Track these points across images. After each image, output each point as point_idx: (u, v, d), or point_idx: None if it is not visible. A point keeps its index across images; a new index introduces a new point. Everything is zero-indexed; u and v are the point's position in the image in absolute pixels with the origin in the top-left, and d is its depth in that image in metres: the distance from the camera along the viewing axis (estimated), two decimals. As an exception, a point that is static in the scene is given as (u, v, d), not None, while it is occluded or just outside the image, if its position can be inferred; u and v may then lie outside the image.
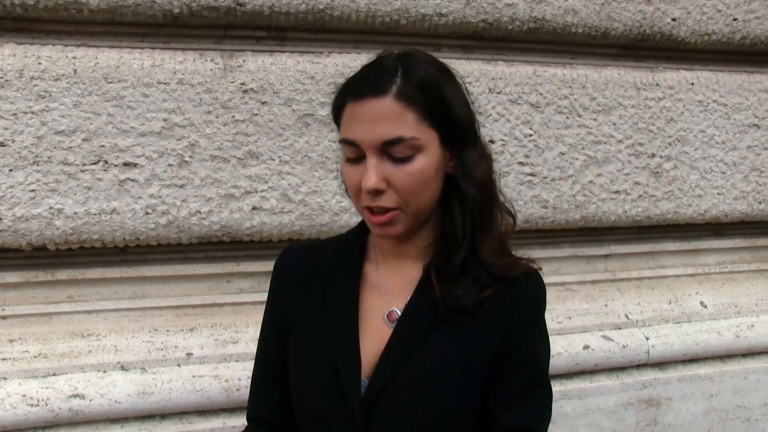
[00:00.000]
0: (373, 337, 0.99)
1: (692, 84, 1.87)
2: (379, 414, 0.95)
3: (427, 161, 0.92)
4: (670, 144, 1.86)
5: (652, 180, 1.85)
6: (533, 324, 1.02)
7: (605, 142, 1.79)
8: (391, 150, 0.90)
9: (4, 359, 1.41)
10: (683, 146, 1.87)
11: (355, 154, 0.93)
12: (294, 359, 1.05)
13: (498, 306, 0.97)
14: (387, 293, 1.02)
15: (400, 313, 0.99)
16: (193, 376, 1.48)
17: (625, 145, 1.81)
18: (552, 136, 1.73)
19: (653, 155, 1.84)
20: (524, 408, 0.97)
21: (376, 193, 0.91)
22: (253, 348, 1.53)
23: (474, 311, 0.95)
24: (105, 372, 1.46)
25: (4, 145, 1.38)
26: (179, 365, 1.50)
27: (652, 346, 1.81)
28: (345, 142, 0.93)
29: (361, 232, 1.09)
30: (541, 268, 1.04)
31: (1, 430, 1.37)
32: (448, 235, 0.98)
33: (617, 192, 1.82)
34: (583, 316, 1.81)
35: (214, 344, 1.53)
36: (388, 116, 0.89)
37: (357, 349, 0.98)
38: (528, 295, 1.01)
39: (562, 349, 1.70)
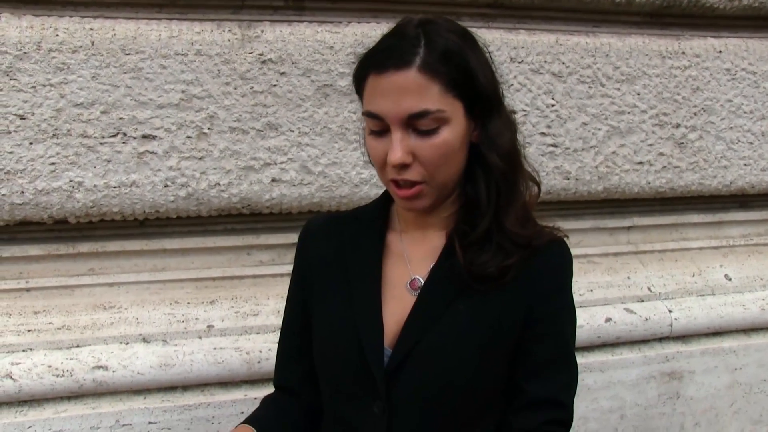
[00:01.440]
0: (396, 305, 0.98)
1: (720, 52, 1.82)
2: (402, 383, 0.94)
3: (453, 133, 0.91)
4: (695, 114, 1.81)
5: (676, 151, 1.81)
6: (559, 293, 1.01)
7: (629, 112, 1.75)
8: (417, 123, 0.89)
9: (29, 330, 1.43)
10: (709, 116, 1.83)
11: (379, 126, 0.91)
12: (317, 329, 1.04)
13: (522, 275, 0.96)
14: (410, 262, 1.01)
15: (423, 281, 0.98)
16: (214, 348, 1.49)
17: (649, 115, 1.77)
18: (574, 106, 1.70)
19: (678, 125, 1.80)
20: (551, 379, 0.97)
21: (402, 166, 0.90)
22: (273, 320, 1.54)
23: (498, 278, 0.94)
24: (127, 344, 1.47)
25: (24, 118, 1.38)
26: (200, 337, 1.51)
27: (675, 319, 1.78)
28: (369, 114, 0.92)
29: (384, 202, 1.08)
30: (567, 236, 1.02)
31: (29, 399, 1.39)
32: (472, 204, 0.97)
33: (641, 163, 1.78)
34: (605, 289, 1.79)
35: (235, 316, 1.54)
36: (412, 89, 0.88)
37: (380, 317, 0.97)
38: (553, 263, 1.00)
39: (584, 321, 1.69)
